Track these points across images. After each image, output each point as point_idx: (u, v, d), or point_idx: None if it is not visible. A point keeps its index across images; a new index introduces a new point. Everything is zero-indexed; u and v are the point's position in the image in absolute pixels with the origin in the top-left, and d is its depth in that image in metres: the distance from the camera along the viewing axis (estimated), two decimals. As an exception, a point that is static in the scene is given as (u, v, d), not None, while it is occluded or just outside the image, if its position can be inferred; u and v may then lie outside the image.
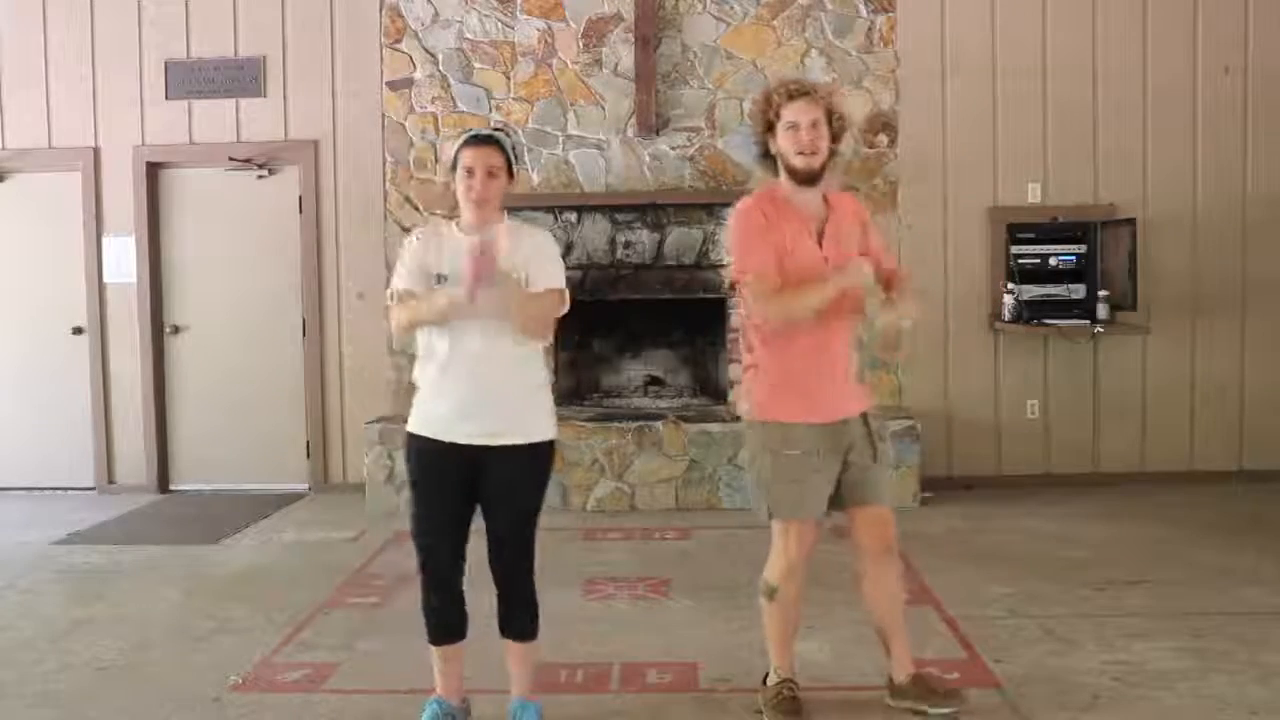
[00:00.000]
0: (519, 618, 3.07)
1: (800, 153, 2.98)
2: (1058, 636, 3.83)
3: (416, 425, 2.99)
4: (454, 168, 2.95)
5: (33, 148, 6.70)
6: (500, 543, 3.00)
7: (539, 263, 2.95)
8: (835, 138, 3.04)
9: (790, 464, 3.05)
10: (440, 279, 2.91)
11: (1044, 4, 6.37)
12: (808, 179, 3.02)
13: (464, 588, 3.02)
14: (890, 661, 3.25)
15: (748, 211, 3.06)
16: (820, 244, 3.04)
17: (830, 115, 3.01)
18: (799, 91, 3.01)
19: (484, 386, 2.89)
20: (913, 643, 3.33)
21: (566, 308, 3.00)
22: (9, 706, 3.42)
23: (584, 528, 5.61)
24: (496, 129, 3.07)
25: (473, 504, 2.99)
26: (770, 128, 3.03)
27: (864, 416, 3.12)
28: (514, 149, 2.98)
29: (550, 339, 3.09)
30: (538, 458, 3.00)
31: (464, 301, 2.77)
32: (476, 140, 2.95)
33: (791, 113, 2.98)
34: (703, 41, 6.41)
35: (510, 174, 2.97)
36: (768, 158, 3.09)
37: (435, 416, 2.94)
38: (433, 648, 3.07)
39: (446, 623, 3.04)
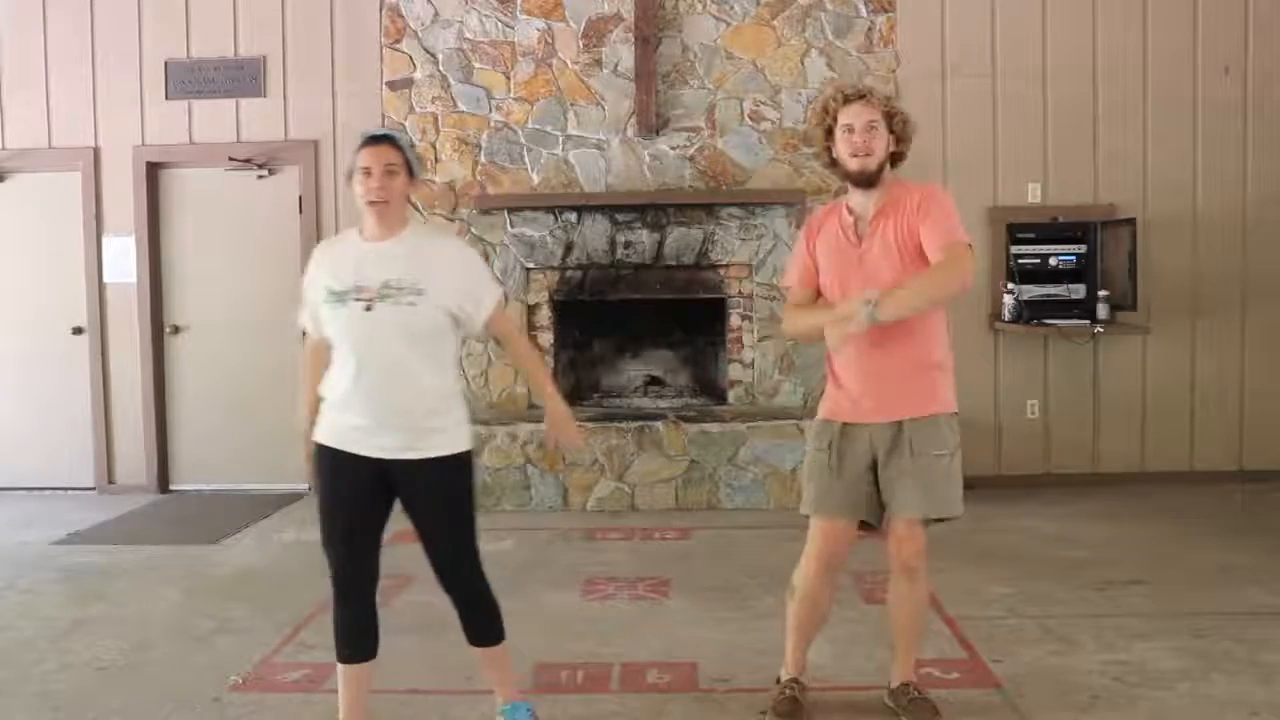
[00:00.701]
0: (478, 622, 2.97)
1: (854, 155, 3.00)
2: (1058, 636, 3.84)
3: (325, 437, 2.87)
4: (351, 175, 2.86)
5: (33, 148, 6.70)
6: (437, 555, 2.89)
7: (469, 290, 2.87)
8: (899, 139, 3.05)
9: (811, 459, 3.13)
10: (339, 296, 2.79)
11: (1044, 4, 6.37)
12: (862, 181, 3.02)
13: (376, 603, 2.92)
14: (892, 665, 3.27)
15: (803, 226, 3.25)
16: (860, 244, 3.03)
17: (890, 118, 3.03)
18: (855, 95, 3.04)
19: (395, 399, 2.79)
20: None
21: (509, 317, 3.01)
22: (9, 706, 3.42)
23: (584, 528, 5.61)
24: (392, 131, 2.95)
25: (384, 516, 2.89)
26: (830, 133, 3.06)
27: (899, 424, 2.99)
28: (411, 149, 2.90)
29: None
30: (454, 469, 2.86)
31: None
32: (371, 140, 2.86)
33: (847, 116, 3.01)
34: (703, 41, 6.41)
35: (410, 174, 2.87)
36: (834, 165, 3.10)
37: (345, 428, 2.82)
38: (339, 669, 2.94)
39: (356, 639, 2.91)
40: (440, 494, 2.85)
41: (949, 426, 3.04)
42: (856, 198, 3.07)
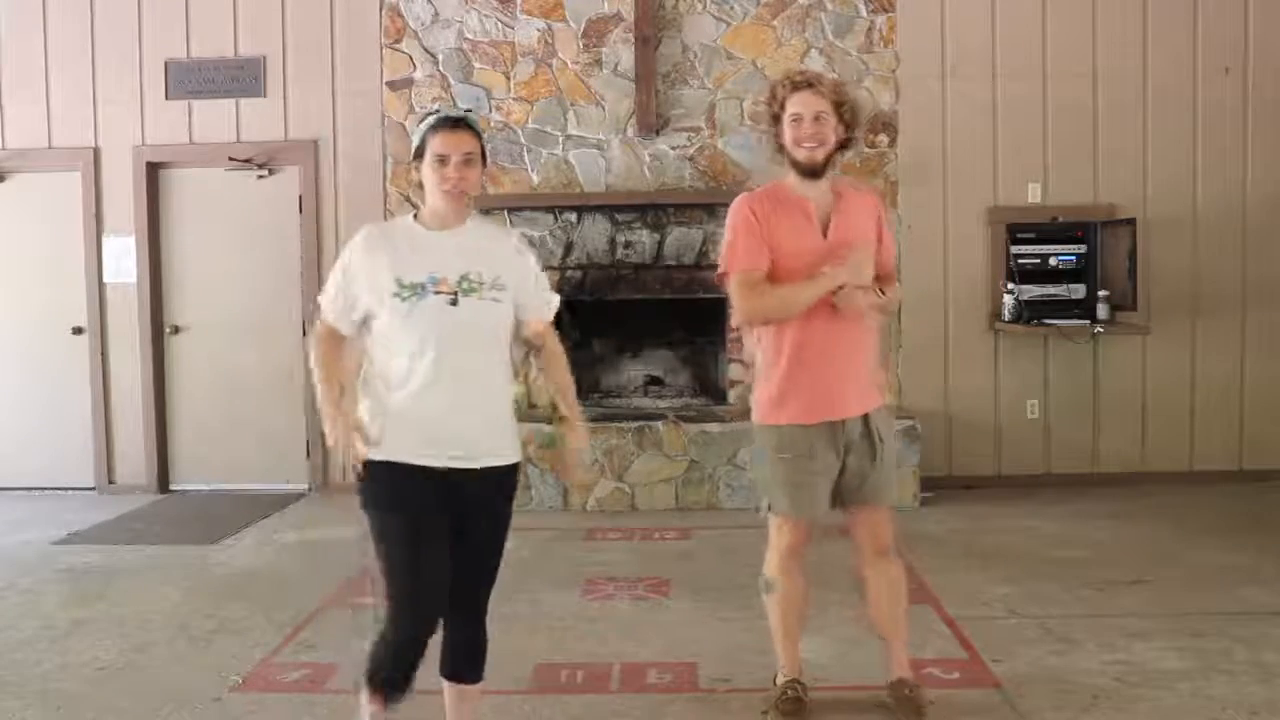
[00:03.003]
0: (474, 652, 2.73)
1: (801, 144, 2.97)
2: (1058, 636, 3.84)
3: (385, 451, 2.56)
4: (419, 154, 2.61)
5: (33, 148, 6.70)
6: (468, 575, 2.63)
7: (539, 291, 2.76)
8: (849, 127, 3.03)
9: (786, 467, 3.04)
10: (416, 289, 2.53)
11: (1044, 4, 6.37)
12: (810, 171, 3.00)
13: None
14: (888, 660, 3.26)
15: (738, 208, 3.04)
16: (825, 235, 3.01)
17: (839, 107, 2.99)
18: (803, 83, 3.00)
19: (472, 403, 2.59)
20: (913, 642, 3.33)
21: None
22: (9, 706, 3.42)
23: (584, 528, 5.61)
24: (467, 110, 2.73)
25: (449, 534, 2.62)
26: (777, 120, 3.02)
27: (865, 417, 3.06)
28: (484, 134, 2.68)
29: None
30: (511, 480, 2.70)
31: None
32: (449, 123, 2.59)
33: (795, 104, 2.97)
34: (703, 41, 6.41)
35: (484, 161, 2.66)
36: (780, 151, 3.07)
37: (412, 437, 2.55)
38: (372, 708, 2.61)
39: (409, 674, 2.58)
40: (496, 506, 2.66)
41: (891, 417, 3.20)
42: (806, 187, 3.03)
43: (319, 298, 2.72)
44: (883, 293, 3.05)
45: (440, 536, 2.57)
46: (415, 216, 2.70)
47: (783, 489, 3.07)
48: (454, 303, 2.54)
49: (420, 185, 2.66)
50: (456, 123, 2.60)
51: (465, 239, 2.63)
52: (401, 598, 2.56)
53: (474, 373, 2.59)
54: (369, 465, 2.57)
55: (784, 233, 2.99)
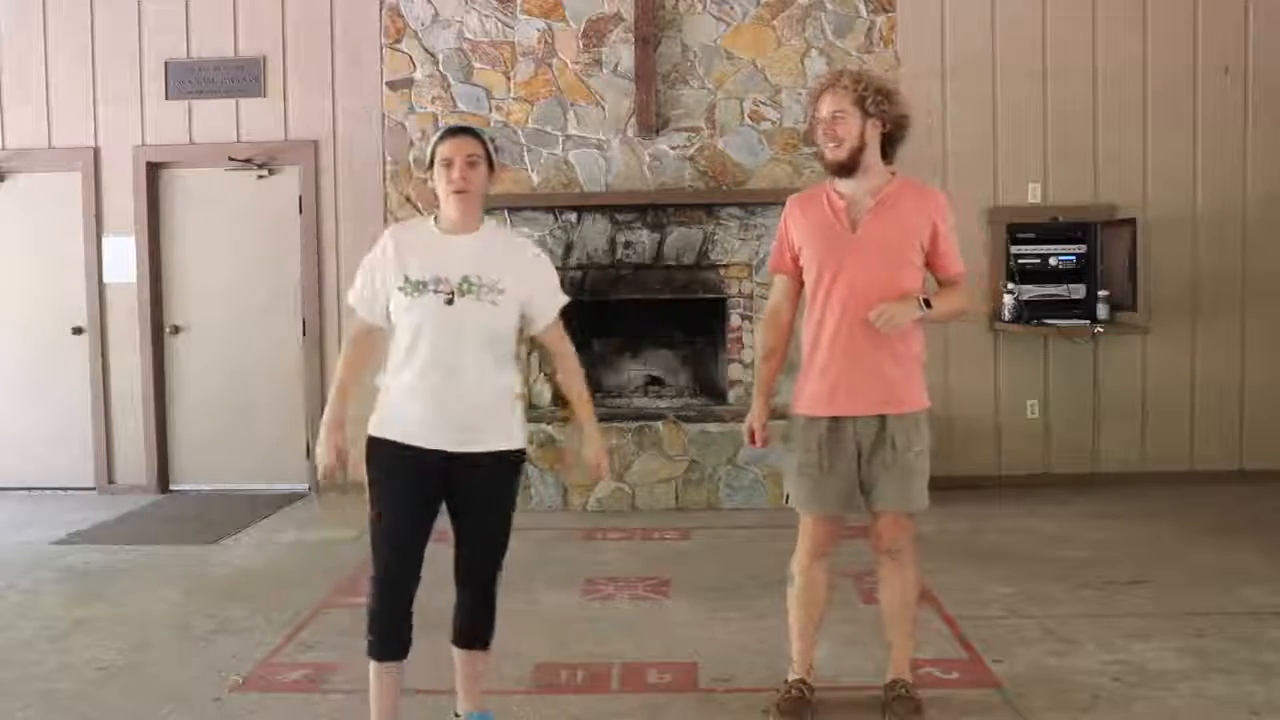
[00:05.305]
0: (480, 624, 2.97)
1: (823, 145, 3.04)
2: (1058, 636, 3.84)
3: (384, 429, 2.83)
4: (430, 165, 2.87)
5: (33, 148, 6.70)
6: (473, 552, 2.90)
7: (545, 293, 2.92)
8: (884, 121, 3.02)
9: (795, 458, 3.11)
10: (419, 286, 2.77)
11: (1044, 5, 6.37)
12: (835, 169, 3.05)
13: (413, 604, 2.87)
14: (888, 659, 3.28)
15: (784, 212, 3.19)
16: (855, 230, 3.02)
17: (862, 102, 2.99)
18: (827, 85, 3.07)
19: (464, 394, 2.79)
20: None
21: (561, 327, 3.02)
22: (9, 706, 3.42)
23: (584, 528, 5.61)
24: (472, 124, 3.02)
25: (435, 515, 2.87)
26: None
27: (883, 419, 3.04)
28: (492, 141, 2.91)
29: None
30: (510, 465, 2.91)
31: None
32: (452, 132, 2.89)
33: (819, 107, 3.05)
34: (703, 41, 6.41)
35: (490, 166, 2.88)
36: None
37: (406, 419, 2.80)
38: (373, 668, 2.88)
39: (389, 637, 2.85)
40: (495, 489, 2.86)
41: (924, 424, 3.14)
42: (844, 185, 3.07)
43: (349, 294, 2.93)
44: (929, 305, 3.05)
45: (419, 516, 2.82)
46: (436, 221, 2.90)
47: (794, 480, 3.14)
48: (450, 301, 2.76)
49: (435, 195, 2.88)
50: (459, 130, 2.90)
51: (475, 243, 2.84)
52: (375, 565, 2.84)
53: (465, 366, 2.79)
54: (371, 440, 2.83)
55: (805, 231, 3.09)
